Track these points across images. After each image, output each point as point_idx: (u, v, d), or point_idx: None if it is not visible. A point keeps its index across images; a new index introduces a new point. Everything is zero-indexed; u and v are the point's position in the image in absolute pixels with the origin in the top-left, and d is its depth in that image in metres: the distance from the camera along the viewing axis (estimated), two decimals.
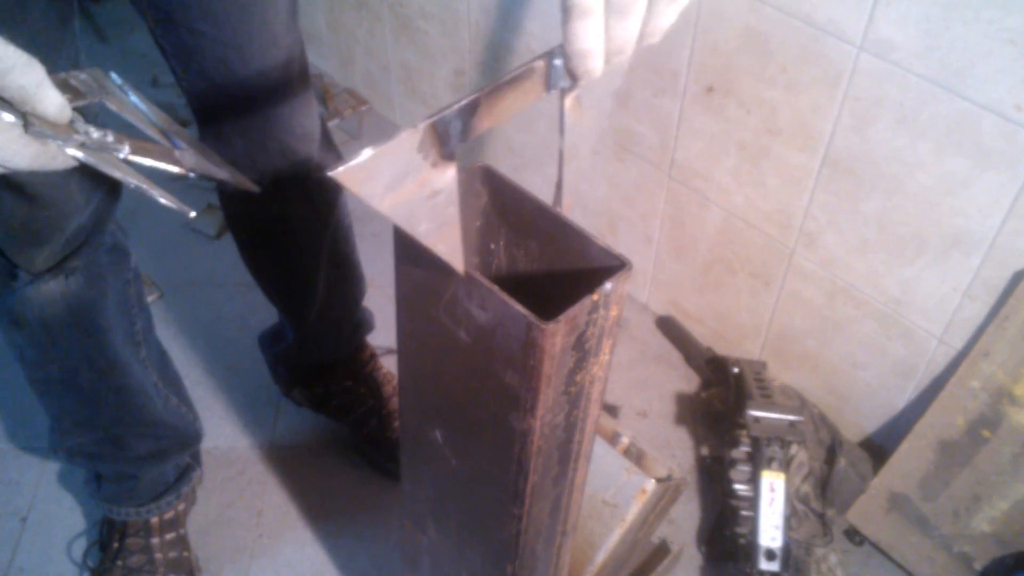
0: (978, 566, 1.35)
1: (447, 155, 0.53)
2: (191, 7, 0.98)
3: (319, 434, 1.60)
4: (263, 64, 1.05)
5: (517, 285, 0.65)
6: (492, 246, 0.71)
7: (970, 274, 1.25)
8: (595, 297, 0.59)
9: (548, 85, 0.59)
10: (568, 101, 0.60)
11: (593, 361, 0.65)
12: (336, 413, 1.56)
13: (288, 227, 1.27)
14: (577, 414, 0.70)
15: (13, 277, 1.05)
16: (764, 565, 1.33)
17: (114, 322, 1.16)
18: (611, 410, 1.64)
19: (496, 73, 1.84)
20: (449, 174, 0.54)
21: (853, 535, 1.46)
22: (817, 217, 1.39)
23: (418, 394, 0.79)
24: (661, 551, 1.36)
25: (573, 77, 0.58)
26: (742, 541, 1.37)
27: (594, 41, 0.56)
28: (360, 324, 1.51)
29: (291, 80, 1.10)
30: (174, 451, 1.35)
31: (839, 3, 1.18)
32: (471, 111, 0.53)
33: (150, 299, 1.83)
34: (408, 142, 0.50)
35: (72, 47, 0.94)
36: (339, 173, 0.47)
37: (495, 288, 0.57)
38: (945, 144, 1.17)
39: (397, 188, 0.51)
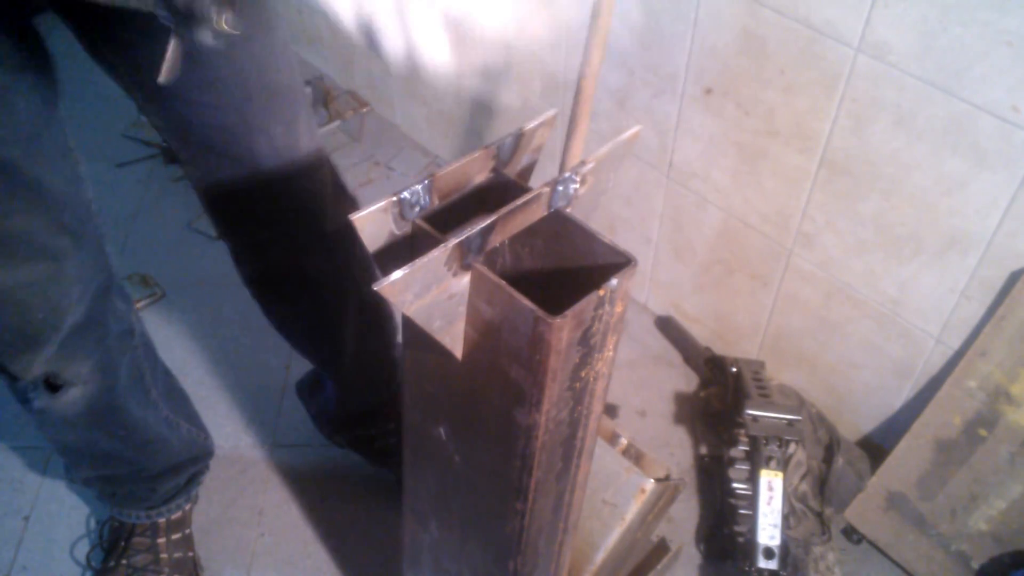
0: (975, 565, 1.35)
1: (466, 266, 0.61)
2: (188, 78, 0.94)
3: (320, 433, 1.61)
4: (265, 122, 1.02)
5: (522, 282, 0.66)
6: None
7: (967, 274, 1.26)
8: (601, 293, 0.59)
9: (549, 207, 0.67)
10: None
11: (598, 357, 0.66)
12: (379, 456, 1.52)
13: (308, 281, 1.23)
14: (581, 410, 0.71)
15: (27, 401, 1.04)
16: (762, 563, 1.33)
17: (129, 395, 1.17)
18: (610, 409, 1.65)
19: (496, 75, 1.85)
20: (465, 280, 0.62)
21: (851, 534, 1.47)
22: (815, 218, 1.40)
23: (422, 390, 0.80)
24: (660, 550, 1.37)
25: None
26: (741, 540, 1.38)
27: None
28: (397, 364, 1.46)
29: (297, 138, 1.06)
30: (187, 466, 1.38)
31: (836, 5, 1.19)
32: (489, 231, 0.61)
33: (151, 299, 1.84)
34: (438, 259, 0.58)
35: (59, 129, 0.91)
36: (382, 288, 0.55)
37: (502, 283, 0.58)
38: (942, 145, 1.18)
39: (423, 295, 0.59)
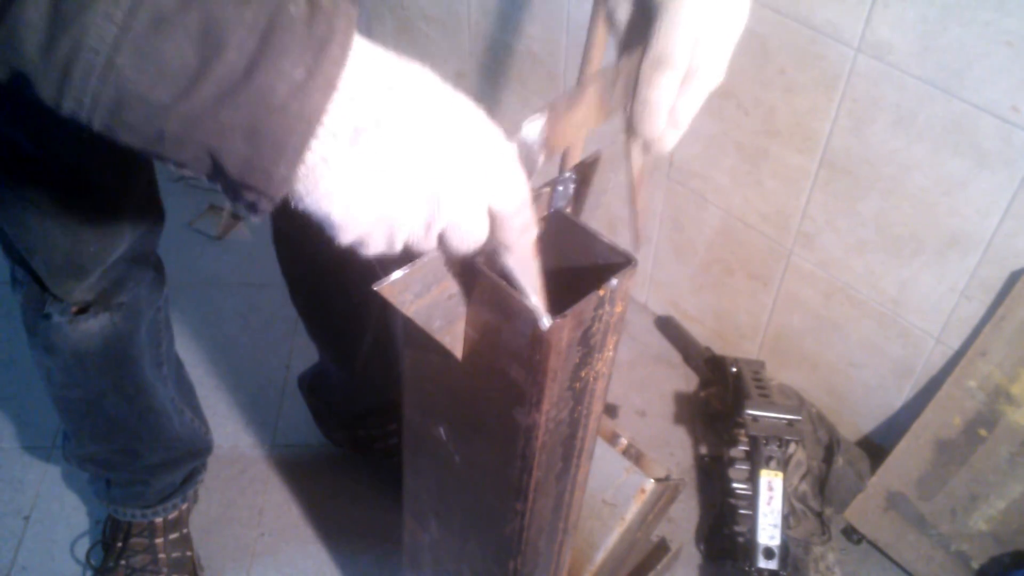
0: (975, 565, 1.35)
1: (466, 266, 0.61)
2: None
3: (320, 433, 1.61)
4: None
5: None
6: None
7: (967, 274, 1.26)
8: (601, 292, 0.59)
9: (550, 207, 0.67)
10: (633, 150, 0.65)
11: (598, 357, 0.66)
12: (379, 457, 1.51)
13: (345, 269, 1.22)
14: (581, 410, 0.71)
15: (46, 316, 1.04)
16: (762, 563, 1.33)
17: (145, 349, 1.17)
18: (610, 409, 1.65)
19: (497, 75, 1.85)
20: (465, 280, 0.61)
21: (851, 534, 1.47)
22: (815, 218, 1.40)
23: (422, 390, 0.80)
24: (660, 550, 1.37)
25: (634, 129, 0.61)
26: (741, 540, 1.38)
27: (667, 96, 0.59)
28: None
29: None
30: (185, 461, 1.37)
31: (837, 5, 1.19)
32: None
33: None
34: (438, 259, 0.58)
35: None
36: (381, 288, 0.54)
37: (502, 283, 0.58)
38: (942, 145, 1.18)
39: (423, 295, 0.59)
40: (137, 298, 1.10)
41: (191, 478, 1.41)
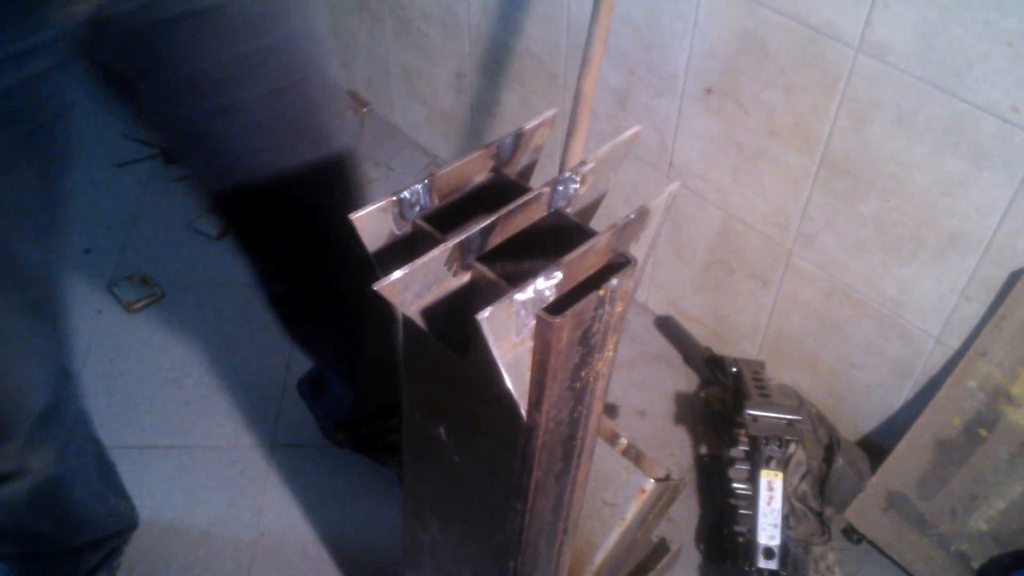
0: (975, 565, 1.35)
1: (466, 266, 0.61)
2: (228, 125, 0.92)
3: (320, 433, 1.61)
4: (314, 159, 0.99)
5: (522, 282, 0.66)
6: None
7: (967, 274, 1.26)
8: (601, 292, 0.59)
9: (550, 207, 0.67)
10: None
11: (598, 357, 0.66)
12: (381, 454, 1.50)
13: (337, 299, 1.21)
14: (581, 410, 0.71)
15: None
16: (762, 563, 1.33)
17: (74, 473, 1.12)
18: (610, 410, 1.65)
19: (496, 75, 1.85)
20: (464, 279, 0.61)
21: (851, 534, 1.47)
22: (815, 218, 1.40)
23: (422, 390, 0.80)
24: (660, 550, 1.37)
25: None
26: (741, 540, 1.38)
27: None
28: None
29: (336, 171, 1.04)
30: (111, 540, 1.35)
31: (837, 5, 1.19)
32: (489, 230, 0.61)
33: (151, 300, 1.84)
34: (438, 259, 0.57)
35: (56, 200, 0.89)
36: (381, 288, 0.55)
37: (503, 283, 0.58)
38: (942, 145, 1.18)
39: (423, 296, 0.59)
40: (68, 442, 1.05)
41: (117, 550, 1.39)
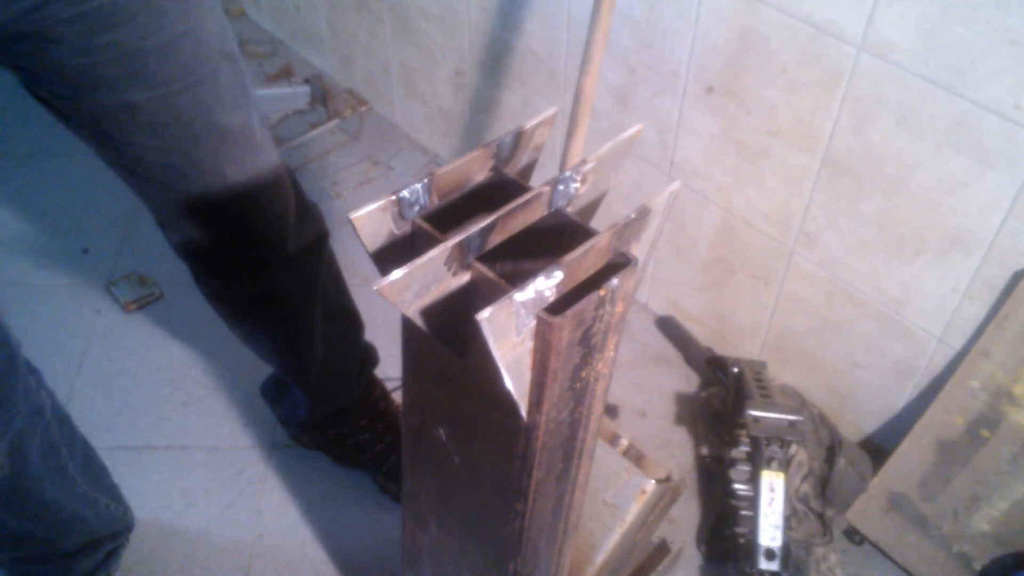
0: (977, 566, 1.35)
1: (466, 266, 0.60)
2: (123, 123, 0.94)
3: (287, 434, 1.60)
4: (215, 163, 1.01)
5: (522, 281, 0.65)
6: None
7: (970, 274, 1.25)
8: (602, 292, 0.59)
9: (550, 207, 0.66)
10: None
11: (598, 357, 0.66)
12: (352, 453, 1.50)
13: (274, 299, 1.21)
14: (582, 410, 0.70)
15: None
16: (764, 565, 1.33)
17: (41, 473, 1.11)
18: (611, 410, 1.65)
19: (497, 73, 1.85)
20: (464, 279, 0.61)
21: (853, 535, 1.46)
22: (816, 217, 1.40)
23: (422, 390, 0.79)
24: (661, 551, 1.36)
25: None
26: (742, 541, 1.37)
27: None
28: (364, 362, 1.45)
29: (253, 172, 1.05)
30: (106, 542, 1.34)
31: (839, 3, 1.19)
32: (489, 230, 0.61)
33: (149, 299, 1.83)
34: (437, 259, 0.57)
35: None
36: (381, 288, 0.54)
37: (503, 283, 0.57)
38: (945, 144, 1.18)
39: (423, 296, 0.59)
40: (17, 441, 1.04)
41: (114, 553, 1.38)
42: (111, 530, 1.34)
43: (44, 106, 0.96)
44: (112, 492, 1.36)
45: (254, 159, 1.05)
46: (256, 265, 1.14)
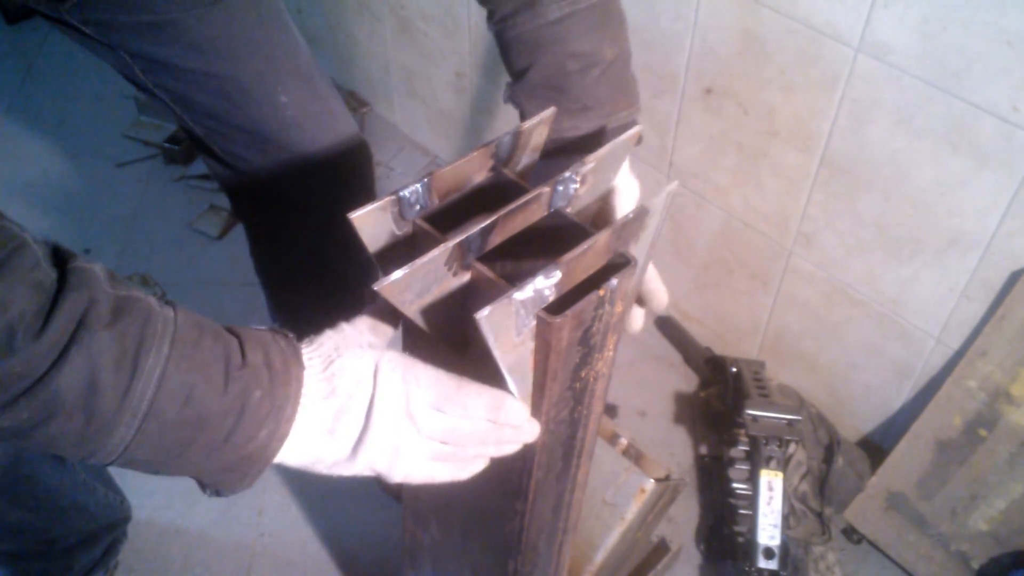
0: (975, 565, 1.35)
1: (466, 266, 0.60)
2: (174, 45, 0.92)
3: None
4: (267, 94, 0.98)
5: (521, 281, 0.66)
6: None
7: (967, 274, 1.26)
8: (601, 292, 0.59)
9: (550, 207, 0.67)
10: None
11: (598, 357, 0.66)
12: None
13: (327, 272, 1.17)
14: (581, 410, 0.71)
15: None
16: (762, 563, 1.33)
17: (40, 459, 1.10)
18: (610, 410, 1.65)
19: (497, 75, 1.85)
20: (464, 279, 0.61)
21: (851, 534, 1.47)
22: (815, 218, 1.40)
23: None
24: (660, 550, 1.37)
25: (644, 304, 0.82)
26: (741, 540, 1.38)
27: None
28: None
29: (309, 111, 1.01)
30: (104, 535, 1.34)
31: (837, 5, 1.19)
32: (489, 230, 0.61)
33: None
34: (438, 259, 0.57)
35: None
36: (381, 288, 0.55)
37: (503, 283, 0.58)
38: (942, 145, 1.18)
39: (423, 296, 0.59)
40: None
41: (112, 549, 1.38)
42: (109, 520, 1.34)
43: (90, 43, 0.94)
44: (109, 482, 1.36)
45: (313, 96, 1.02)
46: (313, 227, 1.10)
